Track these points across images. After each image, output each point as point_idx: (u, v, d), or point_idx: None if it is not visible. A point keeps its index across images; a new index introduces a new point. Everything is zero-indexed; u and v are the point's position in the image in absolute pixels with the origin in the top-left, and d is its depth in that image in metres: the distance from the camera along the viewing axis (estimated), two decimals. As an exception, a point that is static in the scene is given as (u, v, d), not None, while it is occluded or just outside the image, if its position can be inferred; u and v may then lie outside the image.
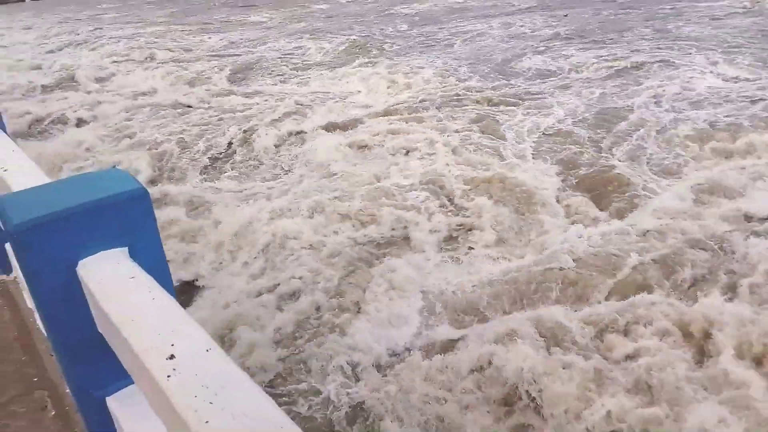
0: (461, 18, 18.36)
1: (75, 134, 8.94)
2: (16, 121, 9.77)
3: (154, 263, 1.10)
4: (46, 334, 1.44)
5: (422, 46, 13.90)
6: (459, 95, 9.26)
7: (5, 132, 2.76)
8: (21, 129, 9.62)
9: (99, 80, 14.13)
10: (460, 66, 11.20)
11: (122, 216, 1.08)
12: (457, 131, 7.53)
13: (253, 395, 0.70)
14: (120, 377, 1.11)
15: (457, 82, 10.01)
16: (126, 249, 1.08)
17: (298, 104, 9.59)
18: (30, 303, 2.51)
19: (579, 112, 7.94)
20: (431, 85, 10.03)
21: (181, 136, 8.50)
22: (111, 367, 1.09)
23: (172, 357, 0.76)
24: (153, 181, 7.00)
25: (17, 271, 2.65)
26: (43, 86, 13.43)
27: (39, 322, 2.38)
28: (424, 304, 4.23)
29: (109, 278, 1.00)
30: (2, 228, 1.08)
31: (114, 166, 1.09)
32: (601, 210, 5.35)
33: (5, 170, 1.57)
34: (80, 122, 9.78)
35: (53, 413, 1.88)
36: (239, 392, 0.71)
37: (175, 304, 0.88)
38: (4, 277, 2.79)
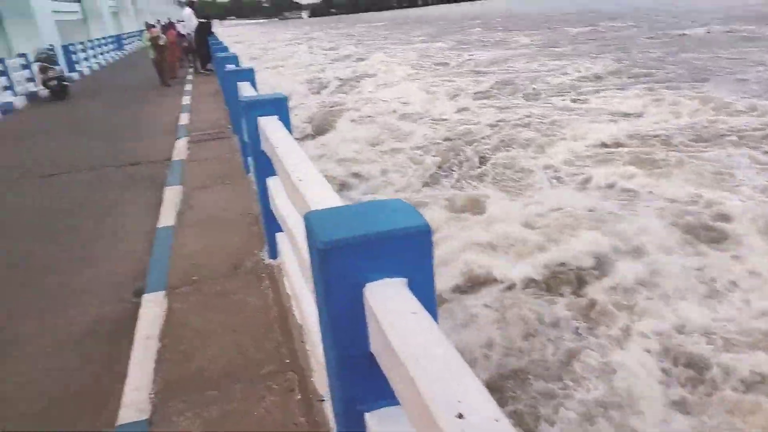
0: (747, 45, 16.22)
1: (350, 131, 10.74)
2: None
3: (426, 298, 1.12)
4: (323, 346, 1.57)
5: (705, 72, 12.93)
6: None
7: (290, 133, 3.14)
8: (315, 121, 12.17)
9: (365, 90, 16.46)
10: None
11: (407, 249, 1.12)
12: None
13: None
14: (383, 396, 1.16)
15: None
16: (405, 280, 1.13)
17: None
18: (289, 289, 2.87)
19: None
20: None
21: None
22: (377, 385, 1.14)
23: (460, 416, 0.74)
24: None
25: (282, 257, 3.05)
26: (326, 91, 16.54)
27: (295, 308, 2.70)
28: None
29: (392, 307, 1.05)
30: (307, 238, 1.20)
31: (397, 198, 1.21)
32: None
33: (300, 180, 1.78)
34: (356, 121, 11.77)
35: (299, 397, 2.10)
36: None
37: (460, 359, 0.87)
38: (271, 261, 3.24)
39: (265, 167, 2.90)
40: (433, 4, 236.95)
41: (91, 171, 6.42)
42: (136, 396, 2.17)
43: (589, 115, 11.26)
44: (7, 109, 11.77)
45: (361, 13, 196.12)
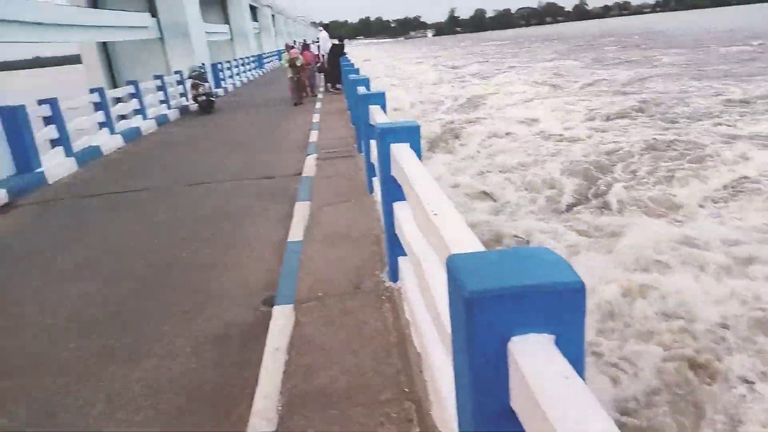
0: None
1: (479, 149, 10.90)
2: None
3: (575, 357, 1.05)
4: (457, 393, 1.55)
5: None
6: None
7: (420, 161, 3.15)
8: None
9: (495, 107, 16.65)
10: None
11: (558, 305, 1.06)
12: None
13: None
14: (520, 453, 1.11)
15: None
16: (553, 337, 1.07)
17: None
18: (409, 315, 2.88)
19: None
20: None
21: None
22: (514, 441, 1.10)
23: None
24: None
25: (404, 282, 3.07)
26: (457, 106, 17.30)
27: (414, 335, 2.70)
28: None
29: (539, 365, 1.00)
30: (452, 283, 1.19)
31: (545, 247, 1.14)
32: None
33: (435, 214, 1.78)
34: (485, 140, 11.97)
35: (417, 430, 2.08)
36: None
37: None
38: (392, 284, 3.28)
39: (394, 192, 2.95)
40: (562, 21, 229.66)
41: (231, 181, 6.99)
42: (264, 405, 2.29)
43: (742, 142, 10.17)
44: (162, 120, 13.25)
45: (486, 32, 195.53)
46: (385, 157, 2.91)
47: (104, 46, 19.30)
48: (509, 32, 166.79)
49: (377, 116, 4.18)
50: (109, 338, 3.27)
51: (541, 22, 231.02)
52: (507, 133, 13.22)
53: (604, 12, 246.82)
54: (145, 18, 18.68)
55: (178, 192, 6.68)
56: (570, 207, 8.02)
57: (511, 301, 1.04)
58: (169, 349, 3.08)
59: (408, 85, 27.77)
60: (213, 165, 8.08)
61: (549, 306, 1.06)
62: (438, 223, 1.69)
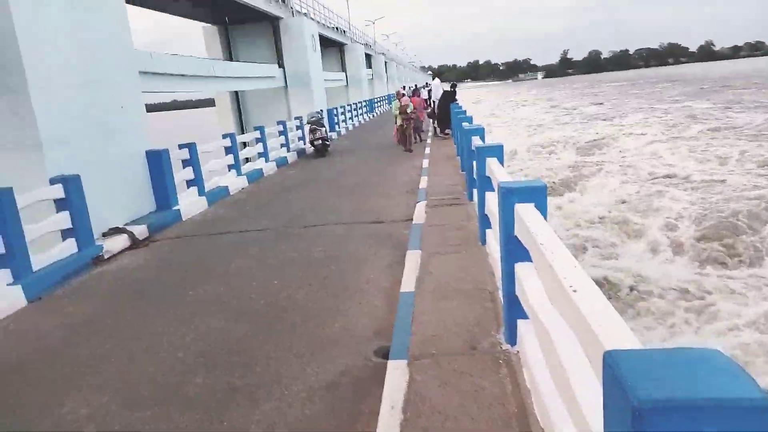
0: None
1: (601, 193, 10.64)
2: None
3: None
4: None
5: None
6: None
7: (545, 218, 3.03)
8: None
9: (623, 150, 16.31)
10: None
11: (735, 422, 0.94)
12: None
13: None
14: None
15: None
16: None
17: None
18: (529, 383, 2.74)
19: None
20: None
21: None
22: None
23: None
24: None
25: (523, 346, 2.94)
26: (577, 148, 17.14)
27: (535, 406, 2.55)
28: None
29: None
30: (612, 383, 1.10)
31: (714, 349, 1.00)
32: None
33: (574, 291, 1.68)
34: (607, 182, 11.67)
35: None
36: None
37: None
38: (509, 347, 3.15)
39: (516, 252, 2.87)
40: (685, 62, 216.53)
41: (342, 224, 7.24)
42: (379, 468, 2.26)
43: None
44: (282, 162, 14.15)
45: (601, 73, 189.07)
46: (508, 216, 2.85)
47: (235, 92, 21.21)
48: (629, 73, 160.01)
49: (495, 170, 4.14)
50: (232, 376, 3.45)
51: (663, 63, 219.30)
52: (625, 179, 12.61)
53: (734, 53, 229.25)
54: (273, 69, 20.34)
55: (294, 233, 7.03)
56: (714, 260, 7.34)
57: (687, 416, 0.94)
58: (285, 393, 3.18)
59: (520, 127, 27.49)
60: (326, 207, 8.44)
61: (725, 422, 0.94)
62: (580, 305, 1.60)
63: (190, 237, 7.43)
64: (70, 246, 6.20)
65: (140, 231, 7.35)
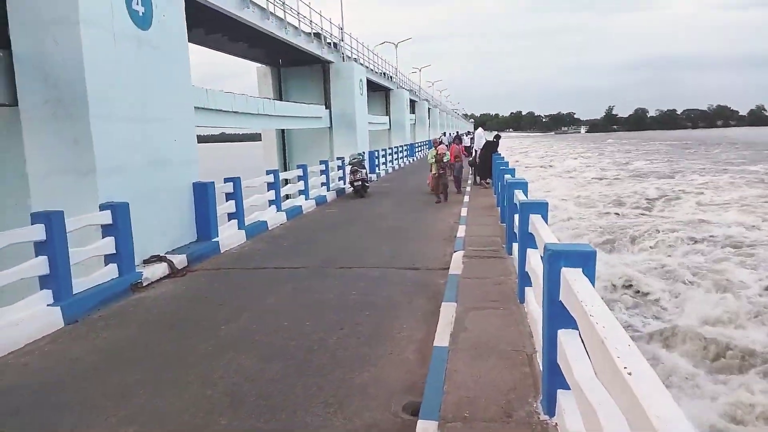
0: None
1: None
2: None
3: None
4: None
5: None
6: None
7: (593, 285, 2.91)
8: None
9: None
10: None
11: None
12: None
13: None
14: None
15: None
16: None
17: None
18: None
19: None
20: None
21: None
22: None
23: None
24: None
25: (563, 419, 2.78)
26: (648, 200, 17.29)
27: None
28: None
29: None
30: None
31: None
32: None
33: (629, 373, 1.58)
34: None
35: None
36: None
37: None
38: (547, 418, 2.99)
39: (560, 318, 2.76)
40: (735, 125, 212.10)
41: (378, 268, 7.19)
42: None
43: None
44: (321, 201, 14.33)
45: (647, 131, 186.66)
46: (553, 280, 2.75)
47: (281, 130, 21.84)
48: (675, 133, 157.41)
49: (540, 228, 4.05)
50: (258, 419, 3.38)
51: (711, 125, 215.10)
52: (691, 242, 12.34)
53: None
54: (320, 110, 20.93)
55: (329, 273, 7.01)
56: None
57: None
58: (311, 445, 3.09)
59: (575, 187, 27.21)
60: (362, 249, 8.42)
61: None
62: (636, 390, 1.49)
63: (227, 270, 7.51)
64: (112, 271, 6.35)
65: (180, 260, 7.48)
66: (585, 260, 2.67)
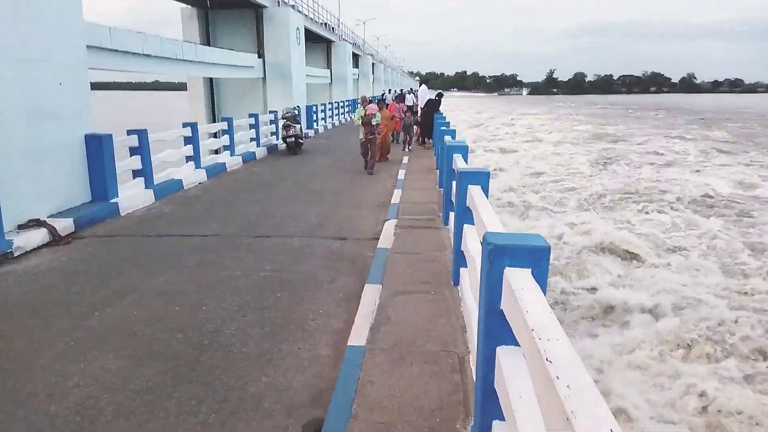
0: None
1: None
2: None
3: None
4: None
5: None
6: None
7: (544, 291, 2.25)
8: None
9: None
10: None
11: None
12: None
13: None
14: None
15: None
16: None
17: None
18: None
19: None
20: None
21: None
22: None
23: None
24: None
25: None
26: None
27: None
28: None
29: None
30: None
31: None
32: None
33: (572, 412, 0.86)
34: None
35: None
36: None
37: None
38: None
39: (500, 333, 2.06)
40: (667, 92, 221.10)
41: (300, 237, 6.37)
42: None
43: None
44: (249, 157, 13.17)
45: (585, 95, 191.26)
46: (494, 284, 2.03)
47: (209, 79, 20.10)
48: (611, 97, 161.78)
49: (479, 205, 3.32)
50: (106, 453, 2.56)
51: (644, 91, 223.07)
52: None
53: (714, 87, 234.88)
54: (252, 58, 19.30)
55: (244, 243, 6.13)
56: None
57: None
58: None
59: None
60: (285, 214, 7.55)
61: None
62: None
63: (122, 237, 6.45)
64: (-33, 240, 5.20)
65: (64, 225, 6.36)
66: (536, 259, 1.96)
